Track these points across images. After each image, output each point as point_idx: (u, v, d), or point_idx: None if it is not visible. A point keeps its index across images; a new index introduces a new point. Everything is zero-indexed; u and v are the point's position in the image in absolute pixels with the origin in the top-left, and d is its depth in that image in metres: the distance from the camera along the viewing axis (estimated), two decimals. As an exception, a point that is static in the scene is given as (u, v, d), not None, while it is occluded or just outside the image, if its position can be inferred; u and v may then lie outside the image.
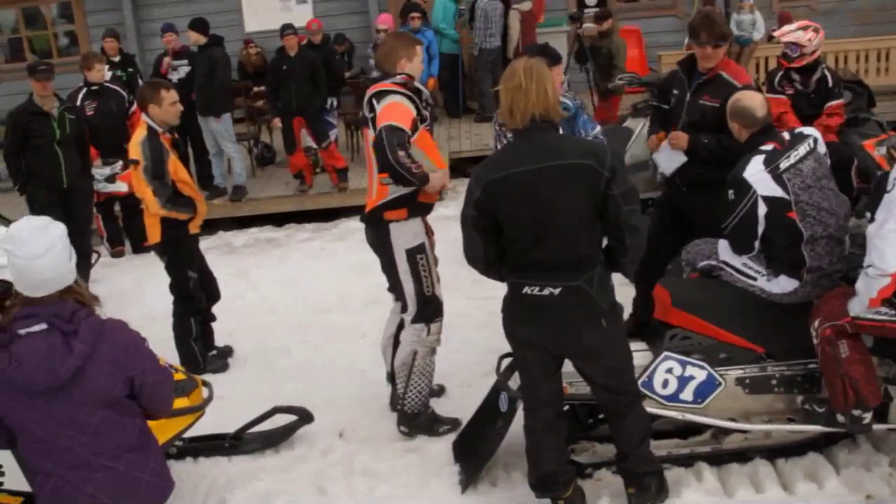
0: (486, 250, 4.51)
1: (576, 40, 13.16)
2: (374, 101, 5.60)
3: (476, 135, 13.58)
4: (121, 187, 9.94)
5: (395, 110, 5.46)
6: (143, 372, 3.59)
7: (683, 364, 5.04)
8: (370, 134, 5.59)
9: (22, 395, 3.50)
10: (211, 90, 11.28)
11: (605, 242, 4.49)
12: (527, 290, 4.43)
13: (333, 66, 12.46)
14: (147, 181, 6.73)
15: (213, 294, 7.49)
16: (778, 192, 4.96)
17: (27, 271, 3.46)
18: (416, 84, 5.66)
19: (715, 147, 5.71)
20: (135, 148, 6.80)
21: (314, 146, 11.97)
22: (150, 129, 6.81)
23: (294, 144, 11.72)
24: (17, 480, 4.61)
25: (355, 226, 10.73)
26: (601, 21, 12.74)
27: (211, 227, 11.39)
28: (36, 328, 3.47)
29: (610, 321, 4.47)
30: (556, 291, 4.36)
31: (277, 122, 11.76)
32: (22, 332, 3.47)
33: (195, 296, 7.23)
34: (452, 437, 5.79)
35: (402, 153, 5.30)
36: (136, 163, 6.76)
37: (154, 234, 7.00)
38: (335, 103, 12.45)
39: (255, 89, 14.15)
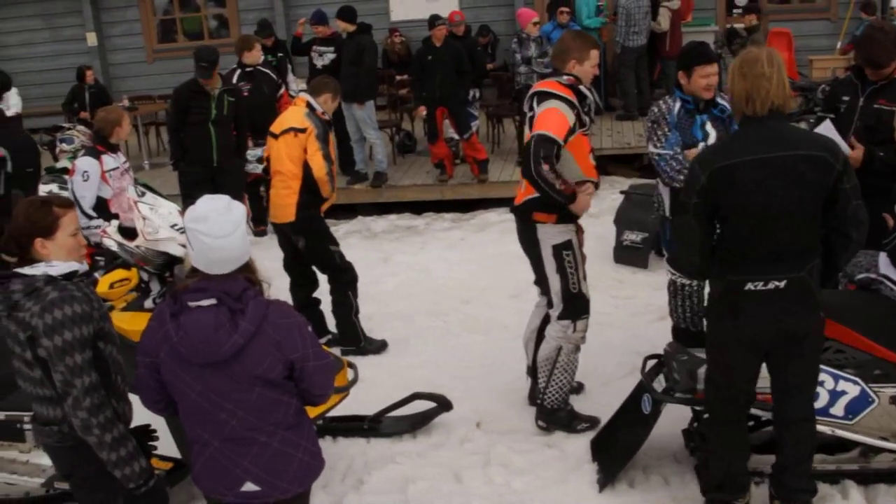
0: (704, 241, 4.43)
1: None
2: (535, 102, 5.62)
3: (618, 132, 13.43)
4: (271, 169, 10.14)
5: (551, 118, 5.47)
6: (303, 357, 3.58)
7: (836, 378, 4.89)
8: (527, 132, 5.61)
9: (187, 365, 3.54)
10: (356, 77, 11.39)
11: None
12: (749, 286, 4.31)
13: (476, 58, 12.48)
14: (319, 146, 7.00)
15: None
16: (950, 207, 4.78)
17: (213, 250, 3.48)
18: (582, 87, 5.63)
19: (891, 158, 5.53)
20: (300, 118, 7.08)
21: (456, 137, 12.04)
22: (310, 105, 7.14)
23: (436, 134, 11.81)
24: (168, 447, 4.84)
25: (494, 218, 10.79)
26: (746, 15, 12.44)
27: (351, 211, 11.58)
28: (205, 302, 3.50)
29: (821, 313, 4.44)
30: (782, 284, 4.28)
31: (422, 111, 11.84)
32: (192, 304, 3.51)
33: (347, 266, 7.39)
34: (590, 434, 5.77)
35: (546, 167, 5.31)
36: (301, 130, 7.00)
37: (289, 212, 7.18)
38: (477, 95, 12.48)
39: (399, 78, 14.29)
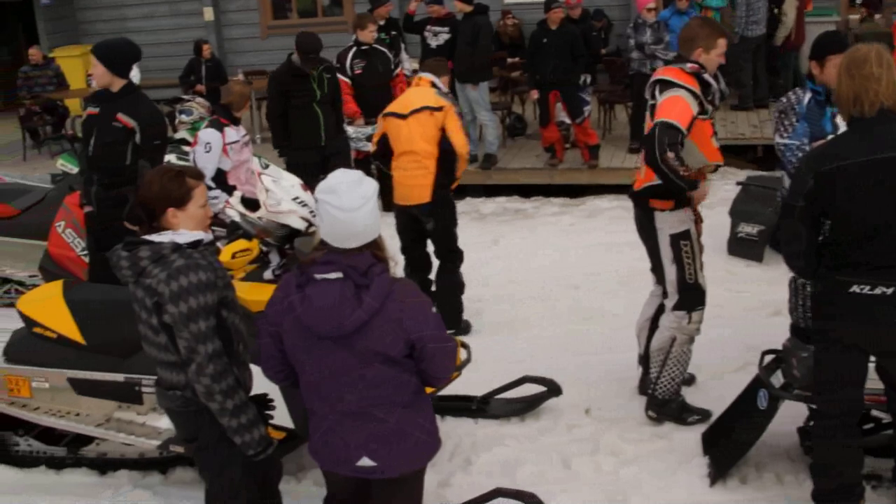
0: (810, 244, 4.30)
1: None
2: (657, 89, 5.53)
3: (732, 122, 13.17)
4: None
5: (674, 106, 5.37)
6: (424, 337, 3.58)
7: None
8: (649, 120, 5.54)
9: (309, 337, 3.57)
10: (472, 58, 11.39)
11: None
12: (855, 288, 4.19)
13: (590, 43, 12.34)
14: (460, 122, 7.12)
15: None
16: None
17: (342, 224, 3.50)
18: (706, 76, 5.52)
19: None
20: (432, 97, 7.14)
21: (567, 121, 11.93)
22: (434, 85, 7.24)
23: (548, 117, 11.72)
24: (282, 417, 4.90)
25: (604, 204, 10.68)
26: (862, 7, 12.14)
27: (459, 192, 11.52)
28: (332, 276, 3.52)
29: None
30: (889, 291, 4.14)
31: (535, 94, 11.78)
32: (318, 276, 3.54)
33: (460, 248, 7.46)
34: (701, 427, 5.67)
35: (670, 154, 5.23)
36: (437, 109, 7.06)
37: (425, 193, 7.18)
38: (589, 80, 12.34)
39: (510, 60, 14.22)
